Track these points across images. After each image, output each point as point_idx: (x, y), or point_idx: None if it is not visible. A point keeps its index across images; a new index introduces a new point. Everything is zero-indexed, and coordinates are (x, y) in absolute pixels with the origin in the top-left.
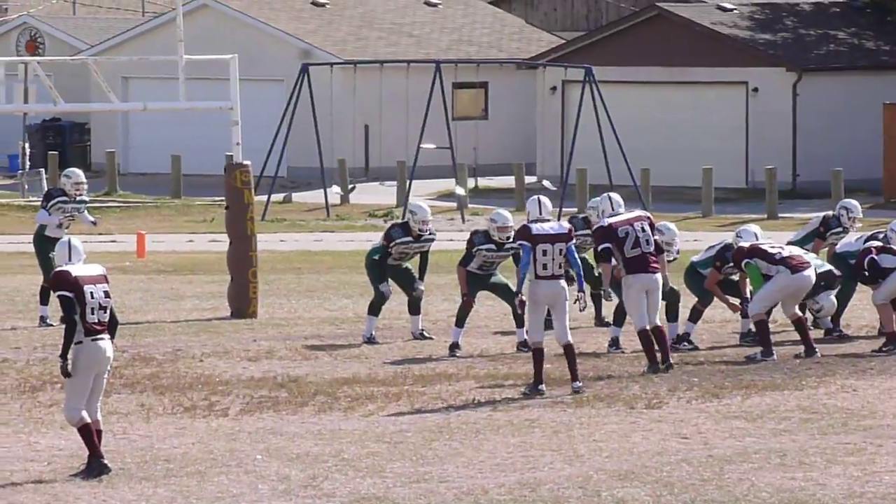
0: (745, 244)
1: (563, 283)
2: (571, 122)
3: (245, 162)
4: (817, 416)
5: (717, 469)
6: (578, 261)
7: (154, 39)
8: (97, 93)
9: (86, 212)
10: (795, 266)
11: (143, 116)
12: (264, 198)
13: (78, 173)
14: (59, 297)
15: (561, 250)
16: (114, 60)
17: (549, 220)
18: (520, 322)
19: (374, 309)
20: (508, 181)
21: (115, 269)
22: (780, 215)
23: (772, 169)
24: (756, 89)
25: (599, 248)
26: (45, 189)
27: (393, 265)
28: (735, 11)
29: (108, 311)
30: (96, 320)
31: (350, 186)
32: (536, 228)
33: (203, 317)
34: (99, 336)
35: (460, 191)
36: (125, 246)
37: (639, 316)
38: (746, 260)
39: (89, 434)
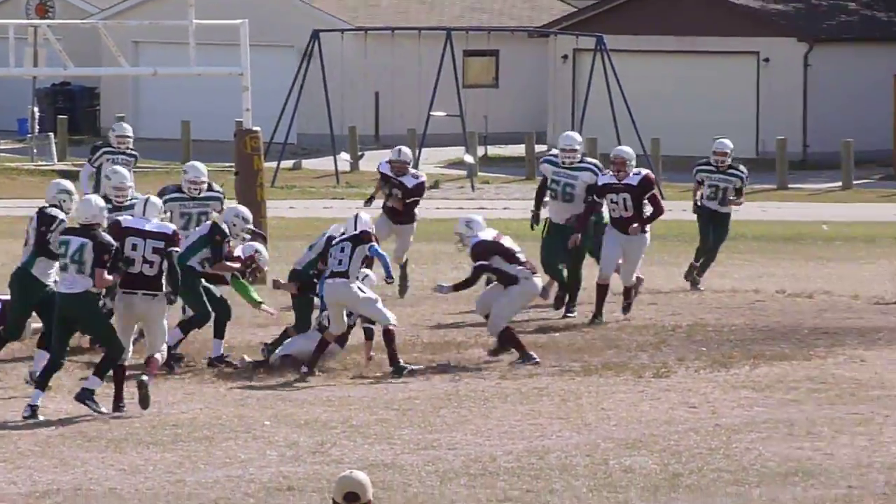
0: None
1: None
2: (582, 91)
3: (255, 128)
4: (825, 386)
5: (725, 438)
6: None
7: (165, 4)
8: (107, 57)
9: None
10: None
11: (154, 81)
12: (274, 164)
13: (125, 127)
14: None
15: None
16: (124, 24)
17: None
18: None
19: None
20: (519, 150)
21: None
22: (791, 186)
23: (782, 139)
24: (767, 59)
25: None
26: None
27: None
28: None
29: (153, 266)
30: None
31: (360, 154)
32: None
33: None
34: (130, 290)
35: (470, 159)
36: None
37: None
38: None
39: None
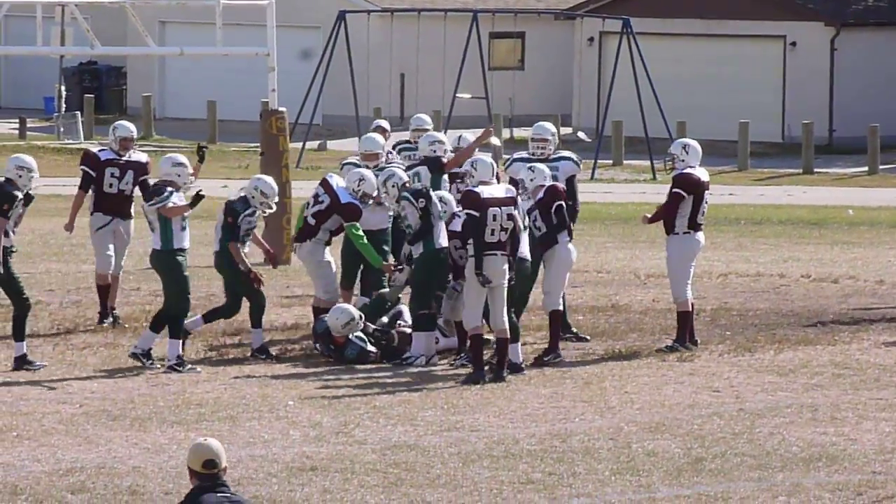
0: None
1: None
2: (608, 73)
3: (281, 109)
4: (850, 371)
5: (749, 423)
6: None
7: None
8: (134, 37)
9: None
10: None
11: (180, 61)
12: (299, 145)
13: (423, 119)
14: None
15: None
16: (152, 4)
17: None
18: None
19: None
20: None
21: None
22: (816, 170)
23: (808, 124)
24: (794, 44)
25: None
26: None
27: None
28: None
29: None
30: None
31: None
32: None
33: None
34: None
35: (496, 141)
36: None
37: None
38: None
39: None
